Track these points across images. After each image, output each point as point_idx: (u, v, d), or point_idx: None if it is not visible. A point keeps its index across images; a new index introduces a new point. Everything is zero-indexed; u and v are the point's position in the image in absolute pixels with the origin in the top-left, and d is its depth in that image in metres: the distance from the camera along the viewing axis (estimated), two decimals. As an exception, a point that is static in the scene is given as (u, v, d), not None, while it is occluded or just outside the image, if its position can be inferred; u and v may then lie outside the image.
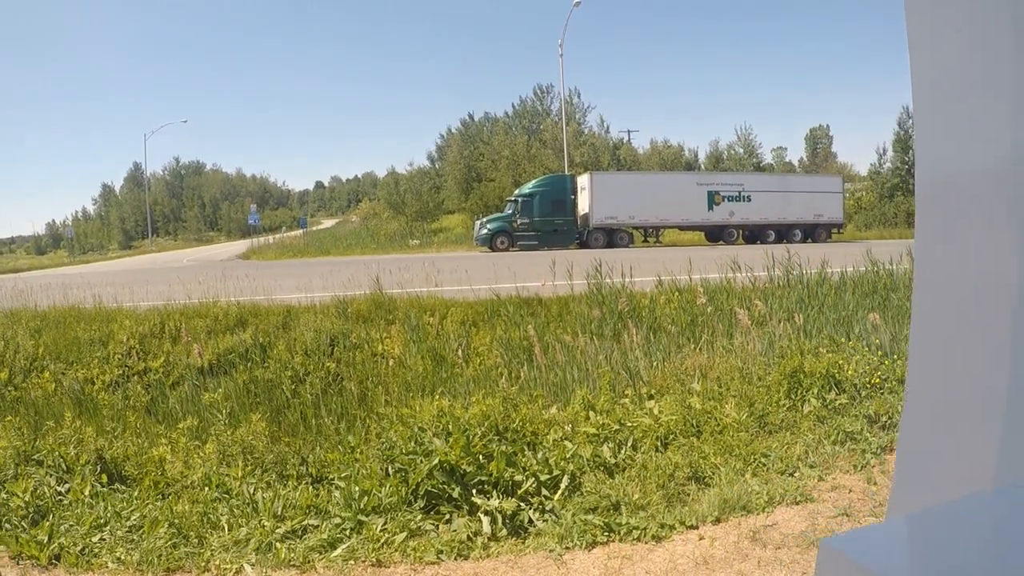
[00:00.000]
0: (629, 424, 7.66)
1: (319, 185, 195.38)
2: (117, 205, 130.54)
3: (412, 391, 11.59)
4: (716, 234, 45.13)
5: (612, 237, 41.77)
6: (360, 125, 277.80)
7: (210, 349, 14.43)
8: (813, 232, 45.06)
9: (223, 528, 6.02)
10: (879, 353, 9.89)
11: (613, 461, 6.92)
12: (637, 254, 30.52)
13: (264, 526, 5.82)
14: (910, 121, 66.99)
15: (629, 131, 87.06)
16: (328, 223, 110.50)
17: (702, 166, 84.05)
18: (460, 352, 12.68)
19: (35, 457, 8.08)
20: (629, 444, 7.30)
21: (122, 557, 5.65)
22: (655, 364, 11.02)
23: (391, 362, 13.21)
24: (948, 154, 1.34)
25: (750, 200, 44.30)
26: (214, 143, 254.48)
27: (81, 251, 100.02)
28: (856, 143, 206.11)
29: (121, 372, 13.96)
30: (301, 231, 75.10)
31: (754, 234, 44.35)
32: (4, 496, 6.95)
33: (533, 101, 80.00)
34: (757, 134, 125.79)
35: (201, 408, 11.05)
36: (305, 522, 5.92)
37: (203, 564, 5.44)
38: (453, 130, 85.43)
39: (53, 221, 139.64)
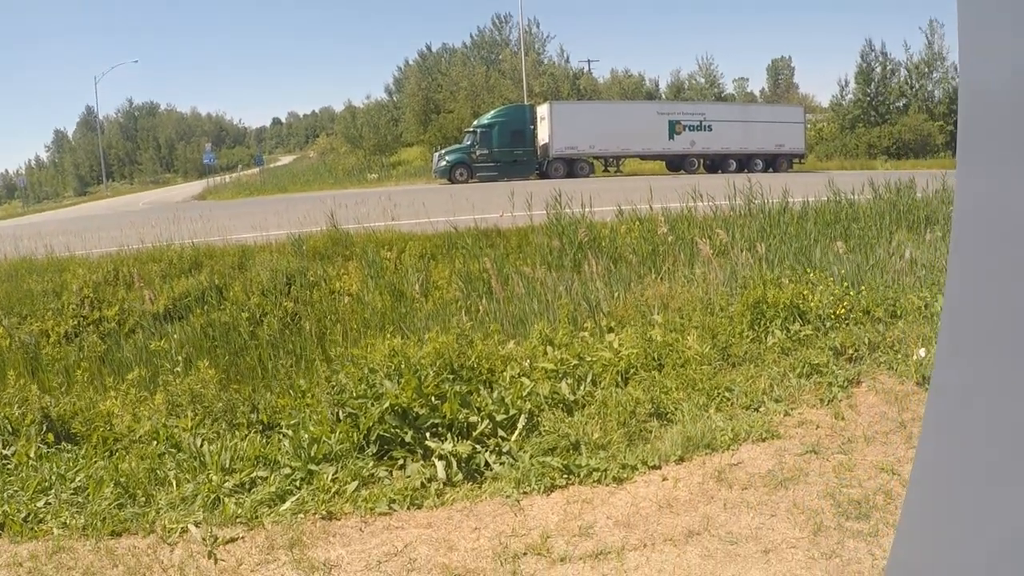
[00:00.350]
0: (589, 359, 7.38)
1: (276, 122, 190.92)
2: (71, 151, 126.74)
3: (370, 328, 11.31)
4: (677, 163, 44.93)
5: (572, 167, 41.25)
6: (317, 59, 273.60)
7: (165, 294, 14.03)
8: (774, 162, 44.98)
9: (171, 484, 5.68)
10: (844, 284, 9.69)
11: (572, 398, 6.64)
12: (598, 184, 30.22)
13: (212, 480, 5.48)
14: (872, 54, 67.22)
15: (589, 61, 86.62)
16: (285, 160, 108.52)
17: (663, 96, 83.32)
18: (419, 287, 12.35)
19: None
20: (589, 380, 7.02)
21: (67, 522, 5.30)
22: (616, 295, 10.77)
23: (348, 299, 12.88)
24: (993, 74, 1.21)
25: (711, 130, 44.00)
26: (168, 82, 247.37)
27: (36, 200, 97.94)
28: (818, 75, 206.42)
29: (76, 323, 13.54)
30: (257, 169, 73.91)
31: (715, 164, 44.18)
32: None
33: (491, 31, 78.97)
34: (719, 64, 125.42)
35: (157, 356, 10.67)
36: (254, 474, 5.59)
37: (149, 524, 5.10)
38: (411, 62, 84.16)
39: (6, 171, 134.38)
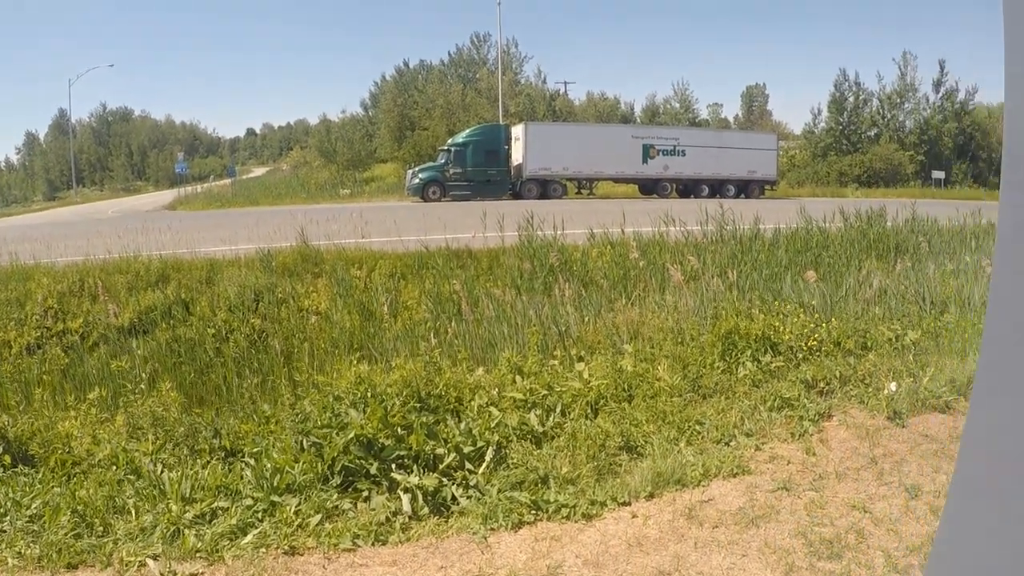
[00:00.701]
0: (558, 388, 7.27)
1: (250, 132, 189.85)
2: (41, 154, 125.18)
3: (338, 348, 11.18)
4: (650, 187, 45.08)
5: (545, 188, 41.30)
6: (294, 71, 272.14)
7: (131, 307, 13.78)
8: (746, 188, 45.31)
9: (130, 513, 5.48)
10: (815, 315, 9.67)
11: (541, 429, 6.52)
12: (570, 206, 30.22)
13: (172, 510, 5.29)
14: (846, 84, 68.29)
15: (566, 83, 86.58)
16: (258, 172, 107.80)
17: (638, 120, 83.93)
18: (387, 307, 12.21)
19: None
20: (558, 410, 6.90)
21: (23, 551, 5.11)
22: (586, 320, 10.70)
23: (316, 318, 12.74)
24: None
25: (685, 154, 44.24)
26: (143, 89, 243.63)
27: (4, 203, 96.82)
28: (791, 102, 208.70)
29: (39, 334, 13.21)
30: (230, 180, 73.27)
31: (688, 188, 44.46)
32: None
33: (470, 49, 79.24)
34: (694, 90, 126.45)
35: (120, 373, 10.44)
36: (215, 504, 5.40)
37: (106, 557, 4.91)
38: (387, 77, 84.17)
39: None
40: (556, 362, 8.17)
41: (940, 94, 68.64)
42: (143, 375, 9.68)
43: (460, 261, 15.54)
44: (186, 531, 5.08)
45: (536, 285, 13.49)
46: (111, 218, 37.08)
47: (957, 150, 67.17)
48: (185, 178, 69.93)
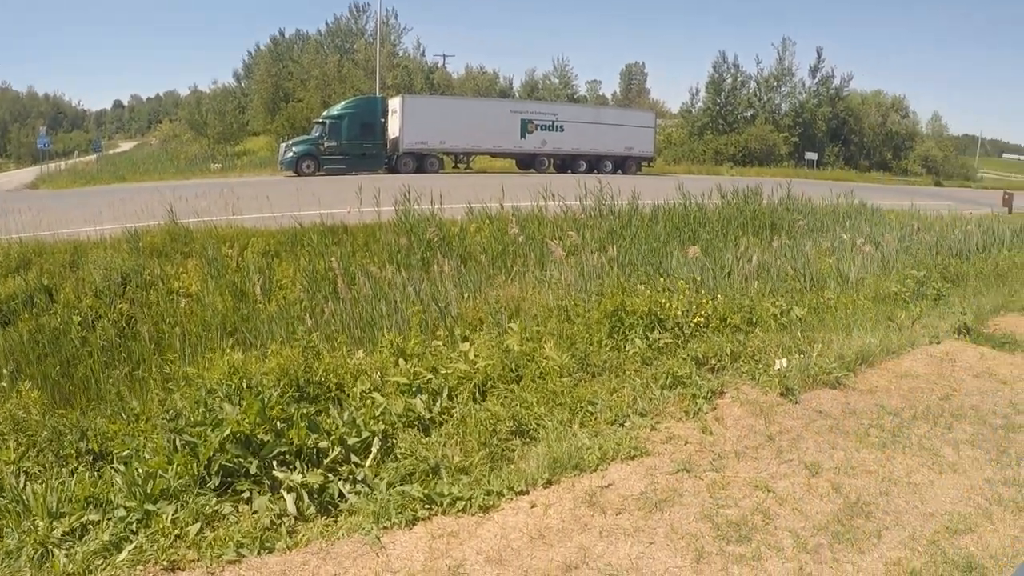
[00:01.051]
0: (443, 371, 6.94)
1: (118, 104, 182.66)
2: None
3: (211, 332, 10.58)
4: (528, 162, 44.92)
5: (422, 162, 40.60)
6: (164, 40, 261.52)
7: None
8: (624, 164, 45.64)
9: None
10: (701, 291, 9.60)
11: (428, 416, 6.19)
12: (448, 180, 29.88)
13: (38, 528, 4.72)
14: (725, 65, 69.98)
15: (444, 55, 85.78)
16: (126, 146, 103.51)
17: (517, 94, 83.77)
18: (260, 288, 11.64)
19: None
20: (445, 394, 6.57)
21: None
22: (466, 297, 10.44)
23: (187, 300, 12.10)
24: None
25: (563, 130, 44.20)
26: (2, 58, 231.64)
27: None
28: (669, 82, 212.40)
29: None
30: (96, 156, 69.84)
31: (566, 163, 44.47)
32: None
33: (348, 20, 77.15)
34: (573, 66, 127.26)
35: None
36: (85, 518, 4.83)
37: (-30, 592, 4.37)
38: (262, 47, 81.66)
39: None
40: (440, 343, 7.81)
41: (816, 79, 71.24)
42: (5, 372, 8.92)
43: (336, 237, 15.05)
44: (55, 551, 4.55)
45: (414, 261, 13.18)
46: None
47: (830, 133, 70.03)
48: (48, 154, 66.19)
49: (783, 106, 70.51)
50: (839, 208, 20.05)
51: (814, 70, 71.12)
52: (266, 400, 5.50)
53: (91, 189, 35.96)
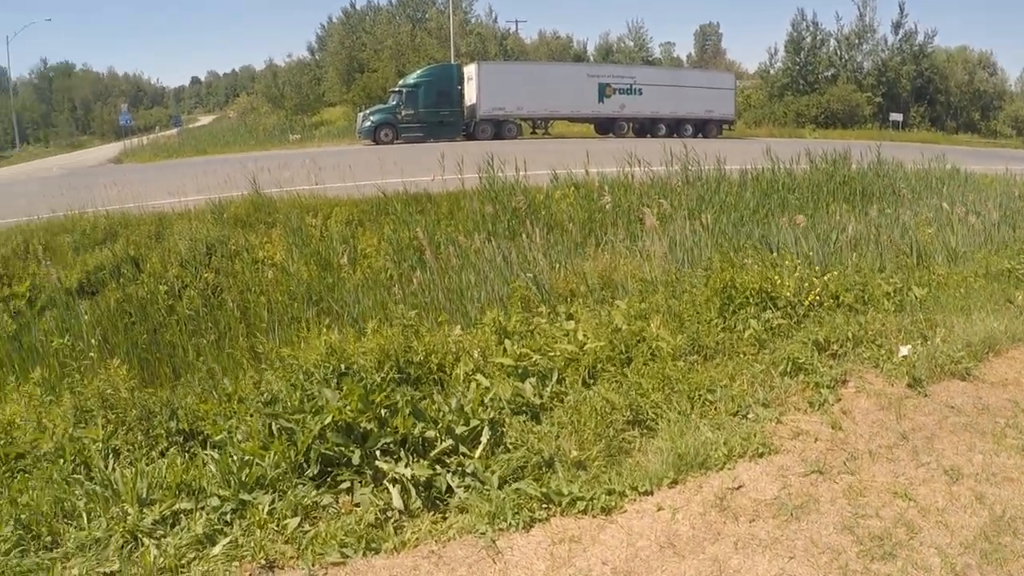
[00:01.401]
0: (549, 352, 6.50)
1: (195, 81, 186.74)
2: None
3: (296, 301, 10.45)
4: (606, 127, 44.20)
5: (499, 129, 40.22)
6: (238, 16, 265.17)
7: (78, 267, 13.22)
8: (704, 127, 44.65)
9: (81, 518, 4.65)
10: (812, 267, 9.04)
11: (539, 402, 5.75)
12: (527, 146, 29.43)
13: (128, 515, 4.46)
14: (803, 23, 67.65)
15: (517, 21, 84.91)
16: (205, 120, 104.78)
17: (591, 58, 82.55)
18: (346, 256, 11.43)
19: None
20: (554, 378, 6.13)
21: None
22: (556, 267, 10.00)
23: (272, 270, 12.01)
24: None
25: (641, 93, 43.36)
26: (83, 42, 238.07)
27: None
28: (744, 42, 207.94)
29: None
30: (176, 130, 71.01)
31: (644, 128, 43.65)
32: None
33: (418, -13, 76.72)
34: (648, 28, 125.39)
35: (72, 336, 9.60)
36: (176, 506, 4.57)
37: (56, 578, 4.12)
38: (334, 19, 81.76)
39: None
40: (542, 320, 7.36)
41: (899, 36, 67.71)
42: (93, 342, 8.83)
43: (419, 206, 14.80)
44: (145, 541, 4.28)
45: (500, 230, 12.80)
46: (56, 175, 35.42)
47: (915, 93, 66.59)
48: (131, 130, 67.57)
49: (865, 64, 67.37)
50: (931, 173, 19.02)
51: (896, 26, 67.48)
52: (368, 386, 5.14)
53: (173, 162, 36.39)
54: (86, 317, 10.63)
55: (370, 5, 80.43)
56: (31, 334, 10.69)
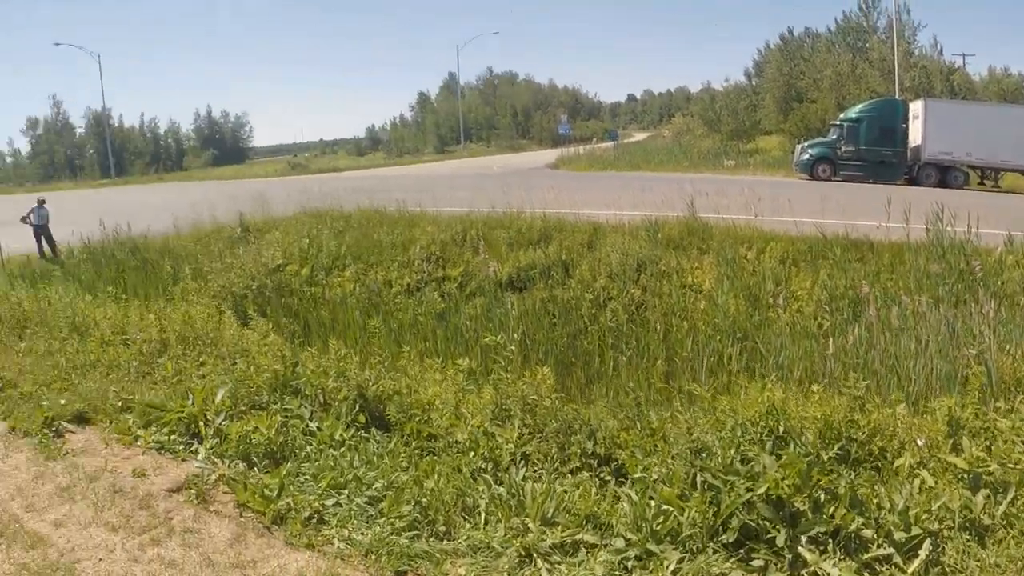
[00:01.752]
0: (1006, 461, 5.62)
1: (631, 98, 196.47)
2: (432, 112, 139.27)
3: (720, 334, 10.43)
4: (1074, 185, 39.00)
5: (945, 175, 36.82)
6: (677, 37, 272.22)
7: (510, 262, 14.31)
8: None
9: (479, 517, 4.89)
10: None
11: (988, 522, 5.00)
12: (977, 199, 26.90)
13: (528, 530, 4.62)
14: None
15: (964, 55, 77.93)
16: (639, 136, 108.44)
17: (1051, 102, 73.77)
18: (779, 298, 11.19)
19: (293, 384, 7.53)
20: (1010, 495, 5.26)
21: (352, 536, 4.71)
22: (1005, 347, 8.90)
23: (699, 297, 12.13)
24: None
25: None
26: (526, 54, 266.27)
27: (397, 154, 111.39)
28: None
29: (419, 277, 14.36)
30: (612, 144, 74.23)
31: None
32: (248, 428, 6.24)
33: (858, 16, 73.32)
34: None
35: (494, 326, 10.35)
36: (579, 536, 4.65)
37: (439, 571, 4.35)
38: (771, 45, 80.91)
39: (373, 126, 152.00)
40: (1001, 418, 6.44)
41: None
42: (515, 336, 9.32)
43: (859, 253, 14.04)
44: (539, 562, 4.37)
45: (943, 294, 11.75)
46: (496, 173, 38.34)
47: None
48: (568, 139, 71.77)
49: None
50: None
51: None
52: (811, 461, 4.82)
53: (606, 174, 37.95)
54: (514, 312, 11.28)
55: (808, 32, 78.63)
56: (458, 316, 11.70)
